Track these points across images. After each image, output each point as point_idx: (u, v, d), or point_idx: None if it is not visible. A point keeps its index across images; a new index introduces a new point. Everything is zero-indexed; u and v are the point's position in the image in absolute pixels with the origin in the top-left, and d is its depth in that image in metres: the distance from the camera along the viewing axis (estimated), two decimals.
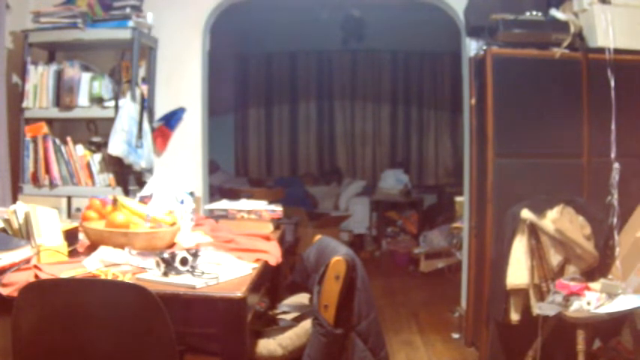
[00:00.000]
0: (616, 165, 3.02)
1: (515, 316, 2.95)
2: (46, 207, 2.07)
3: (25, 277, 1.74)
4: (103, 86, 3.48)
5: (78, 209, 3.31)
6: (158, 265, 1.83)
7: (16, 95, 3.48)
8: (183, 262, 1.84)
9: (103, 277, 1.76)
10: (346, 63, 7.65)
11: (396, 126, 7.66)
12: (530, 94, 3.23)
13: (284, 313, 2.48)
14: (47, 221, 2.03)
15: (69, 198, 3.47)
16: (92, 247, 2.08)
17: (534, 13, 3.25)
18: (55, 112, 3.49)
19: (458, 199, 4.70)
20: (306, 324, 2.24)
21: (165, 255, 1.84)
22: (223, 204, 2.95)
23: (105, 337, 1.63)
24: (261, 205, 2.88)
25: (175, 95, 3.77)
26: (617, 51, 3.11)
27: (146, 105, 3.56)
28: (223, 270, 1.92)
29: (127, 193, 3.38)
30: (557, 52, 3.20)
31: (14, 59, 3.50)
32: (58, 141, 3.46)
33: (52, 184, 3.45)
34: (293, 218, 5.30)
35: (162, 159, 3.76)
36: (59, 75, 3.48)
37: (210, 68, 3.95)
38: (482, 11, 3.37)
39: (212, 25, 3.92)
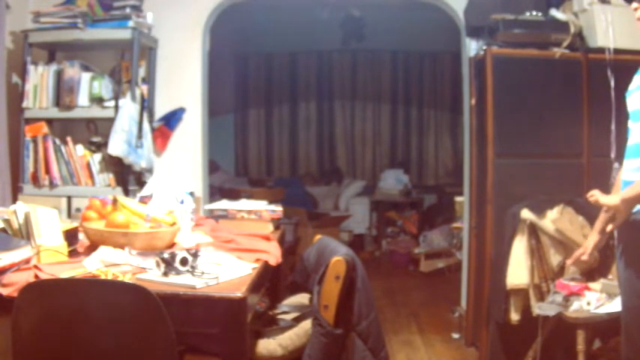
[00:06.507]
0: (616, 165, 3.02)
1: (515, 316, 2.95)
2: (46, 207, 2.07)
3: (25, 277, 1.74)
4: (103, 86, 3.48)
5: (78, 209, 3.31)
6: (158, 265, 1.83)
7: (16, 95, 3.48)
8: (183, 262, 1.84)
9: (103, 277, 1.76)
10: (346, 63, 7.65)
11: (396, 126, 7.66)
12: (530, 94, 3.23)
13: (284, 313, 2.48)
14: (47, 221, 2.03)
15: (69, 198, 3.47)
16: (92, 247, 2.08)
17: (534, 13, 3.25)
18: (55, 112, 3.49)
19: (458, 199, 4.70)
20: (306, 324, 2.25)
21: (165, 255, 1.84)
22: (223, 204, 2.95)
23: (105, 337, 1.63)
24: (261, 205, 2.88)
25: (175, 95, 3.77)
26: (617, 51, 3.11)
27: (146, 105, 3.56)
28: (223, 270, 1.92)
29: (127, 193, 3.38)
30: (557, 52, 3.20)
31: (14, 59, 3.50)
32: (58, 141, 3.46)
33: (52, 184, 3.45)
34: (293, 218, 5.30)
35: (163, 159, 3.76)
36: (59, 75, 3.48)
37: (210, 68, 3.95)
38: (482, 11, 3.38)
39: (212, 25, 3.92)
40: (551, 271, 2.87)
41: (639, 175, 1.98)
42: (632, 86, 2.13)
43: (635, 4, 2.06)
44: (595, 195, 2.16)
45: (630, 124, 2.12)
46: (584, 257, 2.61)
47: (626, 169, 2.08)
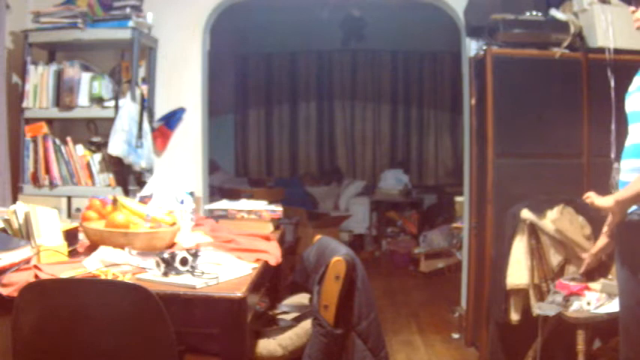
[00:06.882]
0: (616, 165, 3.01)
1: (515, 316, 2.94)
2: (46, 207, 2.07)
3: (25, 277, 1.75)
4: (103, 86, 3.48)
5: (78, 209, 3.31)
6: (158, 265, 1.83)
7: (16, 95, 3.49)
8: (183, 262, 1.84)
9: (103, 277, 1.76)
10: (346, 63, 7.65)
11: (396, 126, 7.66)
12: (530, 94, 3.23)
13: (284, 313, 2.48)
14: (47, 221, 2.03)
15: (69, 198, 3.47)
16: (92, 247, 2.08)
17: (534, 13, 3.25)
18: (55, 112, 3.49)
19: (458, 199, 4.70)
20: (306, 324, 2.24)
21: (165, 255, 1.84)
22: (223, 204, 2.95)
23: (105, 337, 1.63)
24: (261, 205, 2.88)
25: (175, 95, 3.77)
26: (617, 51, 3.11)
27: (146, 105, 3.56)
28: (223, 270, 1.92)
29: (127, 193, 3.38)
30: (557, 52, 3.20)
31: (14, 59, 3.50)
32: (58, 141, 3.46)
33: (52, 184, 3.45)
34: (293, 218, 5.31)
35: (163, 159, 3.76)
36: (59, 75, 3.48)
37: (210, 68, 3.95)
38: (482, 11, 3.38)
39: (212, 25, 3.92)
40: (551, 271, 2.87)
41: (635, 176, 1.98)
42: (632, 87, 2.13)
43: (632, 8, 2.06)
44: (590, 197, 2.17)
45: (629, 125, 2.13)
46: (588, 260, 2.62)
47: (622, 170, 2.08)
